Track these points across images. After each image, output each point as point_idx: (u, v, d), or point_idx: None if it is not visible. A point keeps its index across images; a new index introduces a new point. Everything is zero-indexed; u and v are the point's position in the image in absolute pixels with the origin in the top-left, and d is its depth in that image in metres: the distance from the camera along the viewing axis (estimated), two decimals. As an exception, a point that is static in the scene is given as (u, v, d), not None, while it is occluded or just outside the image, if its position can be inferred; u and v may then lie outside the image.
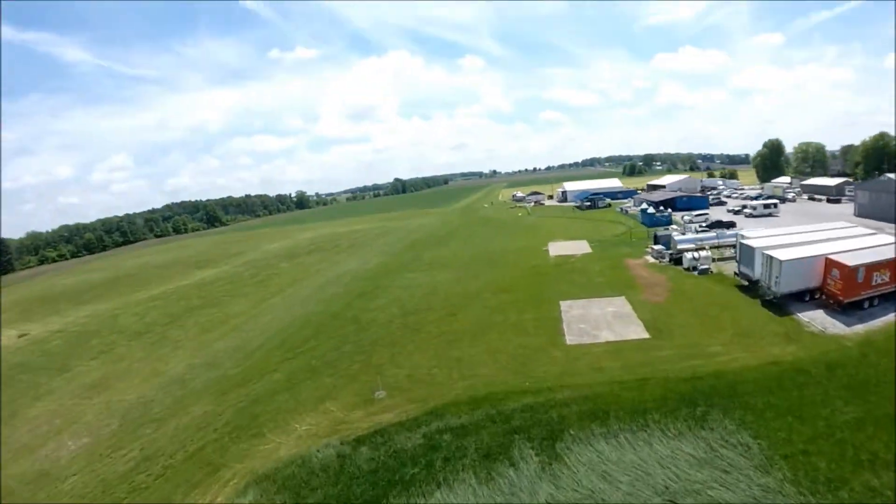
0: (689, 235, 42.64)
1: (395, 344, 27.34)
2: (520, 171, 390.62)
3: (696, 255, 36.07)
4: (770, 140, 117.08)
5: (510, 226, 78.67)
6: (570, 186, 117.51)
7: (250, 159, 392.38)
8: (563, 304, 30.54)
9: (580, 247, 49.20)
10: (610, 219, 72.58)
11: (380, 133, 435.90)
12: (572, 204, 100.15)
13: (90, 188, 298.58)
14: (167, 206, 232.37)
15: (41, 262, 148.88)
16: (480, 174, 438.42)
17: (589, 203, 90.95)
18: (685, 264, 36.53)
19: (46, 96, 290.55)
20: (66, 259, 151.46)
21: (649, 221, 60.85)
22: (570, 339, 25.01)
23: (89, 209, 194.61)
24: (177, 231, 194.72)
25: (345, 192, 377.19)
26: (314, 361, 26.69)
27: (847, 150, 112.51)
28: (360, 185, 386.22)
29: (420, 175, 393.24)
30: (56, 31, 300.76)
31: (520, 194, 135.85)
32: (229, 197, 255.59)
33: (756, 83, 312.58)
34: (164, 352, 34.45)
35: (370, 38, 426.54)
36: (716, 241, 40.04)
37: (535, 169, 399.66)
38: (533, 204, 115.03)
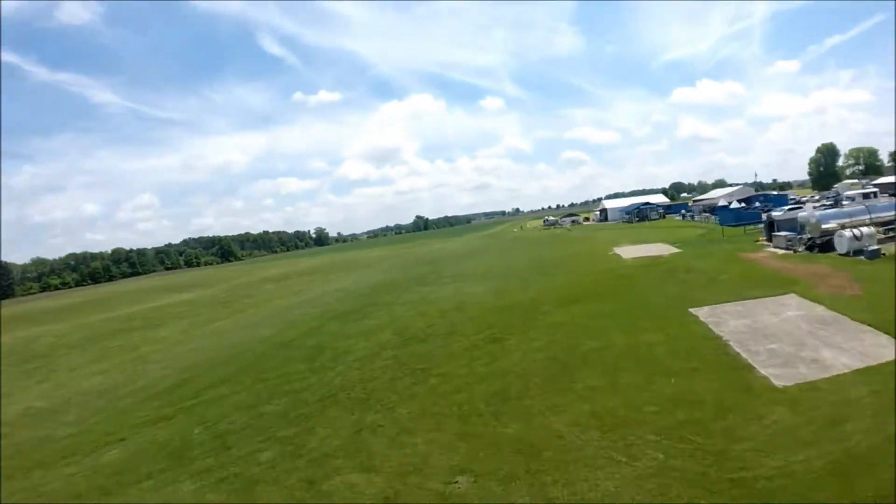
0: (836, 210, 28.93)
1: (372, 402, 12.45)
2: (543, 209, 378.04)
3: (857, 232, 22.82)
4: (824, 144, 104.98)
5: (553, 240, 62.98)
6: (611, 204, 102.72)
7: (273, 201, 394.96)
8: (701, 314, 15.93)
9: (661, 249, 34.42)
10: (674, 225, 57.66)
11: (402, 175, 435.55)
12: (614, 222, 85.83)
13: (116, 226, 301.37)
14: (184, 242, 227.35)
15: (43, 289, 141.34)
16: (503, 212, 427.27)
17: (639, 216, 76.41)
18: (844, 248, 22.75)
19: (77, 136, 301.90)
20: (70, 287, 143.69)
21: (732, 219, 46.32)
22: (775, 377, 10.38)
23: (115, 246, 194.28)
24: (188, 264, 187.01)
25: (366, 232, 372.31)
26: (196, 432, 12.49)
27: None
28: (382, 225, 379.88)
29: (443, 215, 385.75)
30: (88, 74, 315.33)
31: (551, 219, 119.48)
32: (247, 233, 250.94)
33: (774, 111, 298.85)
34: (15, 387, 21.06)
35: (392, 82, 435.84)
36: (868, 216, 26.10)
37: (558, 206, 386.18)
38: (570, 223, 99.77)
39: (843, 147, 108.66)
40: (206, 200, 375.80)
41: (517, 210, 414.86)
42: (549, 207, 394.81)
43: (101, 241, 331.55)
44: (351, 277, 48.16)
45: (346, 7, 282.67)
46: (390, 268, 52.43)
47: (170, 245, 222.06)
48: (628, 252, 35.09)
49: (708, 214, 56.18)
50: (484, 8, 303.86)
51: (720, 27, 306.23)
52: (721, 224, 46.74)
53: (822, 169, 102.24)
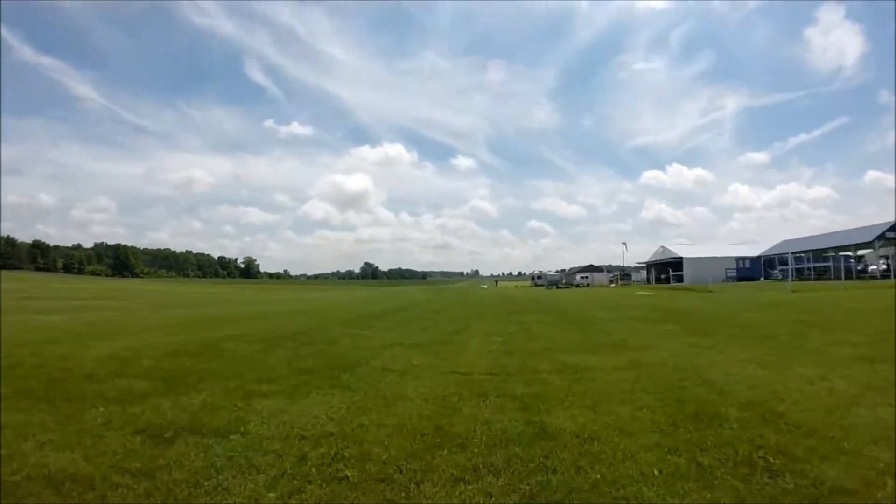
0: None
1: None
2: (501, 274, 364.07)
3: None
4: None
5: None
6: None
7: (233, 228, 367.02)
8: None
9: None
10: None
11: (365, 224, 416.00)
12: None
13: (70, 223, 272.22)
14: (97, 245, 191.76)
15: None
16: (462, 273, 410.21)
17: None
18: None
19: (49, 123, 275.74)
20: None
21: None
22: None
23: (65, 244, 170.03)
24: (67, 269, 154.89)
25: (318, 275, 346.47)
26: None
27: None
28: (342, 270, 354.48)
29: (399, 267, 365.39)
30: (72, 64, 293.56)
31: (551, 274, 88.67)
32: (167, 249, 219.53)
33: (739, 201, 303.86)
34: None
35: (367, 129, 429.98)
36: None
37: (519, 273, 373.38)
38: (610, 280, 75.56)
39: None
40: (164, 215, 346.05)
41: (476, 272, 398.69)
42: (511, 273, 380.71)
43: (50, 236, 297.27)
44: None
45: (336, 50, 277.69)
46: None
47: (76, 247, 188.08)
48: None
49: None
50: (467, 73, 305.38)
51: (693, 117, 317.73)
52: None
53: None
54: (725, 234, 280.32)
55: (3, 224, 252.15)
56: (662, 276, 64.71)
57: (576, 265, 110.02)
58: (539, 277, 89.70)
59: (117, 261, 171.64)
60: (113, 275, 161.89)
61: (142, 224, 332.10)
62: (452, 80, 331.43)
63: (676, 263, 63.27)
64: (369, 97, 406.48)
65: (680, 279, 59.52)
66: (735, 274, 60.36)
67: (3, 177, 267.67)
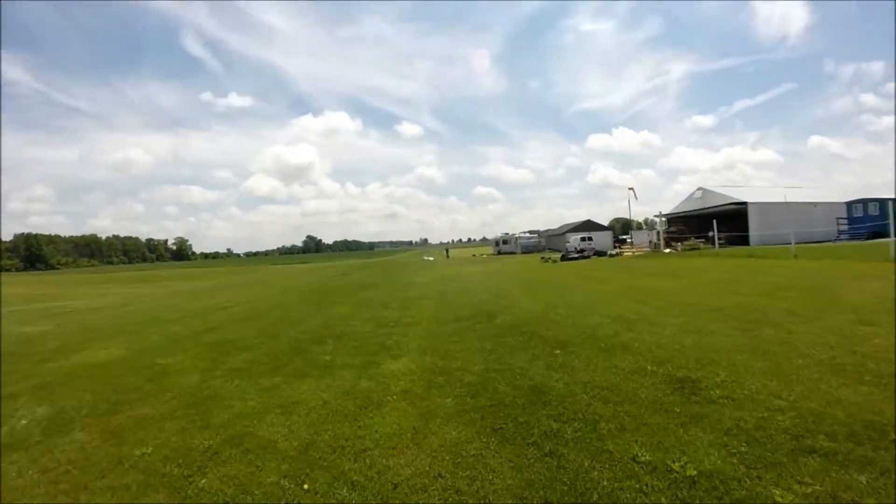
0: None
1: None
2: (451, 242, 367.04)
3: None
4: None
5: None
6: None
7: (177, 209, 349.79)
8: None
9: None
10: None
11: (310, 196, 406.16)
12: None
13: (7, 216, 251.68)
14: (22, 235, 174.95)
15: None
16: (410, 242, 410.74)
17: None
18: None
19: None
20: None
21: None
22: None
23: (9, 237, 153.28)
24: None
25: (264, 251, 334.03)
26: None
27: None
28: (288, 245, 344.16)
29: (346, 239, 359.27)
30: (4, 47, 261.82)
31: (526, 235, 70.24)
32: (90, 235, 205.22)
33: (685, 163, 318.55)
34: None
35: (310, 100, 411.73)
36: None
37: (469, 240, 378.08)
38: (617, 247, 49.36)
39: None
40: (103, 200, 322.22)
41: (425, 241, 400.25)
42: (460, 240, 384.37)
43: None
44: None
45: (276, 19, 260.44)
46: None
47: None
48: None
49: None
50: (409, 39, 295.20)
51: (638, 81, 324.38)
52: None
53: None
54: (670, 196, 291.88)
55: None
56: (707, 235, 35.73)
57: (520, 229, 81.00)
58: (505, 243, 68.67)
59: (29, 253, 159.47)
60: (25, 268, 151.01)
61: (81, 211, 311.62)
62: (396, 46, 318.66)
63: (730, 214, 39.26)
64: (311, 66, 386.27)
65: (739, 239, 35.14)
66: (851, 228, 36.11)
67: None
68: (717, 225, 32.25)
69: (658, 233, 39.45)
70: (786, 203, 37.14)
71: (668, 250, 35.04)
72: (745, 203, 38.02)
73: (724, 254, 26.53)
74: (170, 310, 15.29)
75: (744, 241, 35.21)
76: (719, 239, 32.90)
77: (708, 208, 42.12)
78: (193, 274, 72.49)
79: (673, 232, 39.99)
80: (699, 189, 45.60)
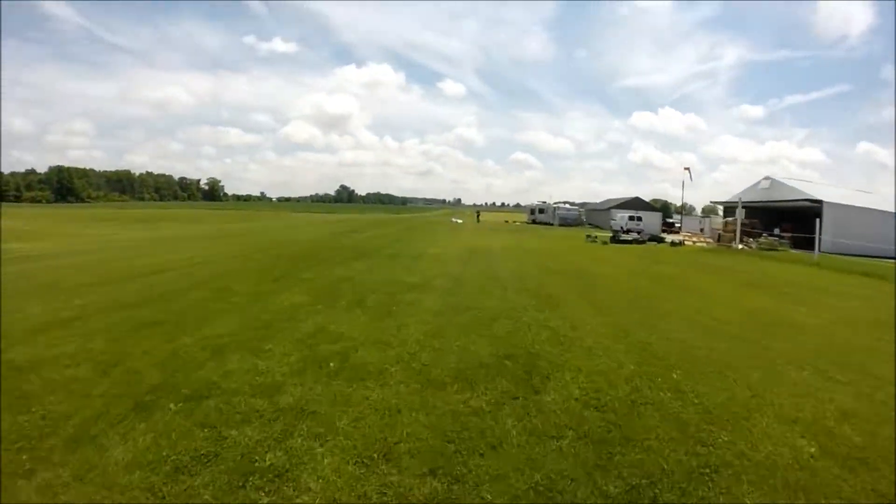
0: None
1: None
2: (485, 205, 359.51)
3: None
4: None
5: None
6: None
7: (214, 150, 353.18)
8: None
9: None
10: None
11: (347, 147, 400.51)
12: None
13: (46, 148, 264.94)
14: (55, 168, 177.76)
15: None
16: (444, 201, 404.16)
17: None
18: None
19: (22, 45, 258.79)
20: None
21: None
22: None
23: (44, 170, 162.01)
24: (2, 197, 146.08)
25: (299, 198, 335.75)
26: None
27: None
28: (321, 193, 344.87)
29: (379, 192, 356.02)
30: None
31: (566, 207, 65.02)
32: (123, 171, 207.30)
33: (727, 152, 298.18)
34: None
35: (353, 50, 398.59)
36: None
37: (503, 204, 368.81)
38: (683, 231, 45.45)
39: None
40: (142, 137, 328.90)
41: (459, 201, 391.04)
42: (494, 204, 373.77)
43: (28, 162, 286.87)
44: None
45: None
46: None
47: (30, 171, 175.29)
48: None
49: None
50: None
51: (689, 63, 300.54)
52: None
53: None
54: (710, 184, 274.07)
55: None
56: (773, 233, 32.77)
57: (556, 199, 74.47)
58: (542, 212, 63.22)
59: (60, 185, 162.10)
60: (55, 200, 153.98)
61: (120, 147, 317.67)
62: (445, 3, 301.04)
63: (799, 212, 34.73)
64: (357, 16, 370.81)
65: (804, 242, 28.04)
66: None
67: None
68: (780, 222, 32.18)
69: (736, 223, 31.20)
70: (869, 209, 33.57)
71: (740, 246, 29.27)
72: (820, 201, 32.60)
73: (826, 264, 19.13)
74: (86, 271, 11.61)
75: (808, 244, 26.22)
76: (782, 238, 29.88)
77: (776, 201, 36.90)
78: (205, 217, 70.69)
79: (745, 224, 32.42)
80: (766, 178, 39.89)
